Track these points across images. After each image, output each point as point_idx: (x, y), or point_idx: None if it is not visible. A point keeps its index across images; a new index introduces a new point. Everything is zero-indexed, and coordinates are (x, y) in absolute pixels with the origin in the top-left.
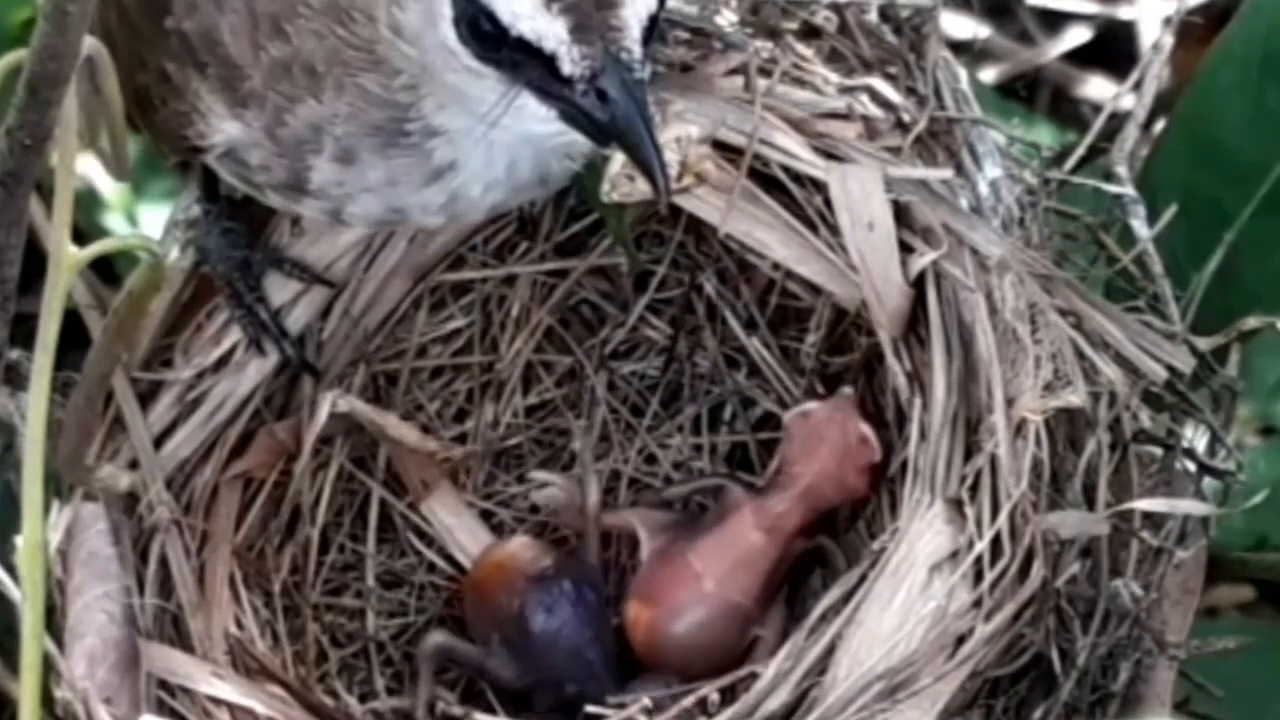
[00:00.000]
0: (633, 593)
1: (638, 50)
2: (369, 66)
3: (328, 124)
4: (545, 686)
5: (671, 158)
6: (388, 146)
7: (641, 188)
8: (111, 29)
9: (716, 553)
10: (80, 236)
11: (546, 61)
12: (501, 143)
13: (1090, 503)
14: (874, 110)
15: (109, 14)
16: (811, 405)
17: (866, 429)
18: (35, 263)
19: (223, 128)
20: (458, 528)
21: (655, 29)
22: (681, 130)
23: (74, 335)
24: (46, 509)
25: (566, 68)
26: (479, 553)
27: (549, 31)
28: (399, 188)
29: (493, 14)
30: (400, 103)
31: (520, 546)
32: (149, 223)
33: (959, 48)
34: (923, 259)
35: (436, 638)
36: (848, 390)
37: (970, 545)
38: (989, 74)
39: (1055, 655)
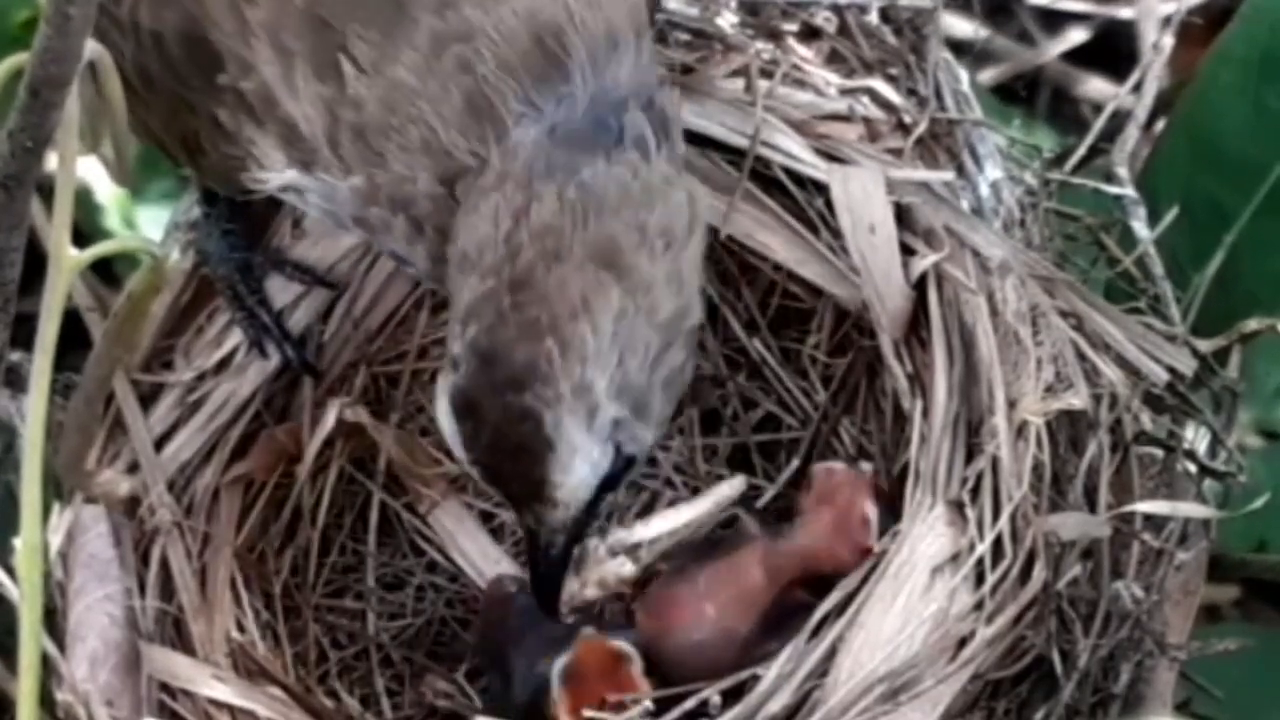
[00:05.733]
0: (643, 604)
1: (559, 541)
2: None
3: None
4: None
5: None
6: None
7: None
8: (151, 73)
9: (722, 581)
10: (81, 238)
11: None
12: None
13: (1091, 505)
14: (875, 112)
15: (146, 57)
16: (838, 466)
17: (871, 513)
18: (37, 264)
19: (283, 174)
20: (460, 533)
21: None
22: (608, 571)
23: (75, 337)
24: (47, 511)
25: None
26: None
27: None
28: None
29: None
30: None
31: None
32: (147, 224)
33: (959, 48)
34: (924, 261)
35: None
36: (867, 467)
37: (972, 547)
38: (989, 74)
39: (1056, 657)
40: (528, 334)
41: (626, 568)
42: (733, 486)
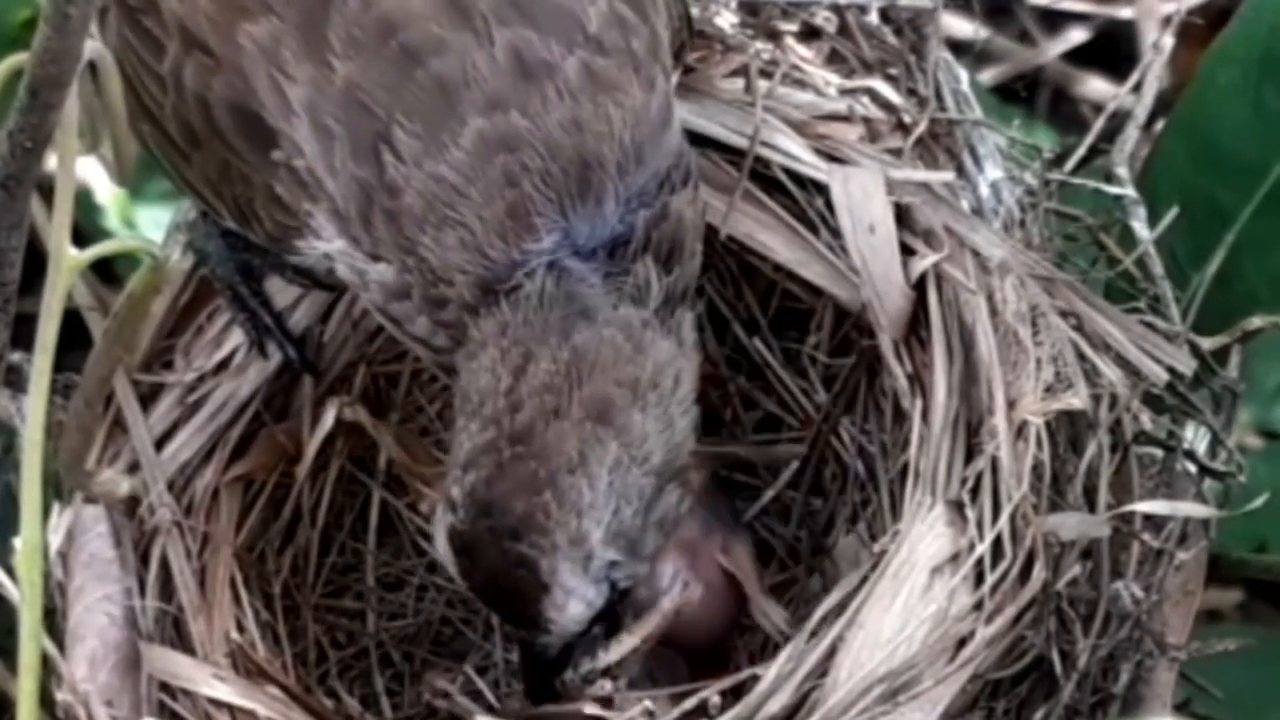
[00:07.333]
0: None
1: (553, 649)
2: None
3: None
4: None
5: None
6: None
7: None
8: (196, 130)
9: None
10: (81, 238)
11: None
12: None
13: (1091, 505)
14: (875, 112)
15: (189, 115)
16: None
17: None
18: (37, 264)
19: (332, 244)
20: None
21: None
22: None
23: (75, 337)
24: (47, 511)
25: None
26: None
27: None
28: None
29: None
30: None
31: None
32: (147, 224)
33: (959, 48)
34: (924, 261)
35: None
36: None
37: (971, 548)
38: (989, 74)
39: (1056, 657)
40: (526, 487)
41: (607, 687)
42: (672, 599)
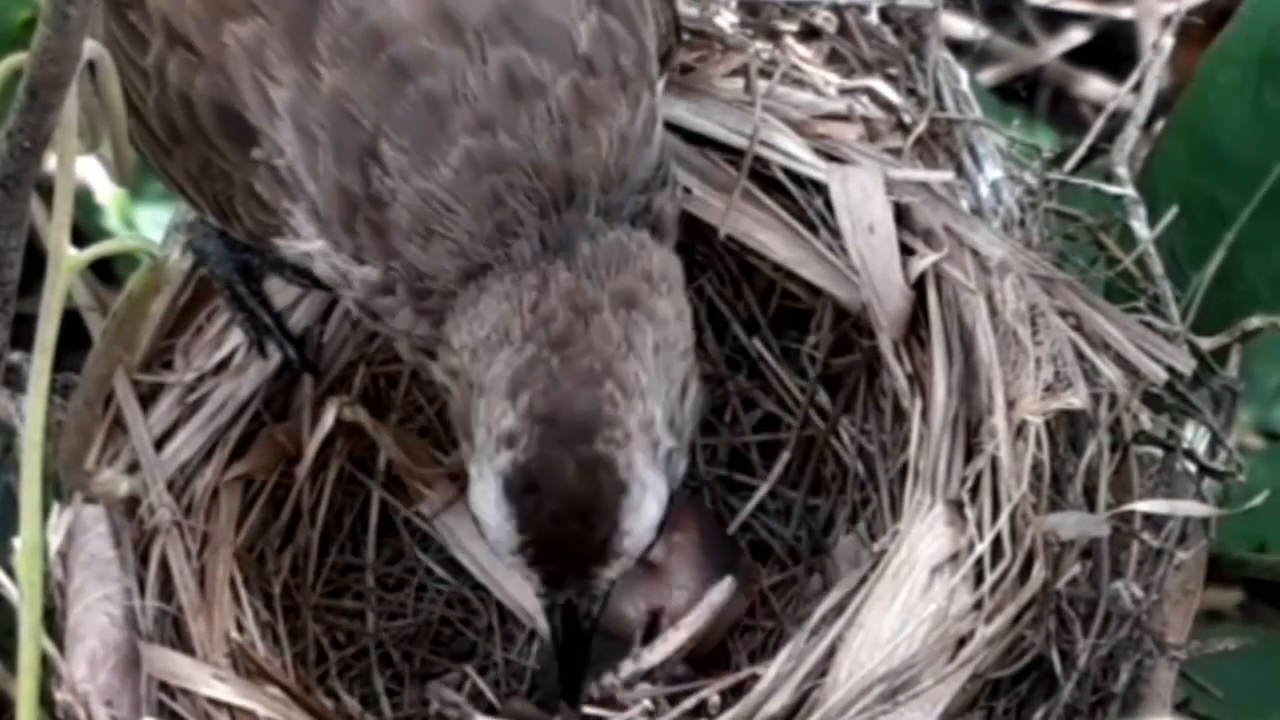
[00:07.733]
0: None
1: (595, 610)
2: None
3: None
4: None
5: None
6: None
7: None
8: (178, 126)
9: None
10: (81, 238)
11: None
12: None
13: (1091, 504)
14: (874, 112)
15: (172, 110)
16: None
17: None
18: (37, 264)
19: (312, 244)
20: (461, 532)
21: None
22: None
23: (75, 337)
24: (47, 511)
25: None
26: None
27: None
28: None
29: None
30: None
31: None
32: (147, 224)
33: (959, 48)
34: (924, 261)
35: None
36: None
37: (971, 547)
38: (989, 74)
39: (1056, 657)
40: (586, 382)
41: (647, 691)
42: (722, 592)
